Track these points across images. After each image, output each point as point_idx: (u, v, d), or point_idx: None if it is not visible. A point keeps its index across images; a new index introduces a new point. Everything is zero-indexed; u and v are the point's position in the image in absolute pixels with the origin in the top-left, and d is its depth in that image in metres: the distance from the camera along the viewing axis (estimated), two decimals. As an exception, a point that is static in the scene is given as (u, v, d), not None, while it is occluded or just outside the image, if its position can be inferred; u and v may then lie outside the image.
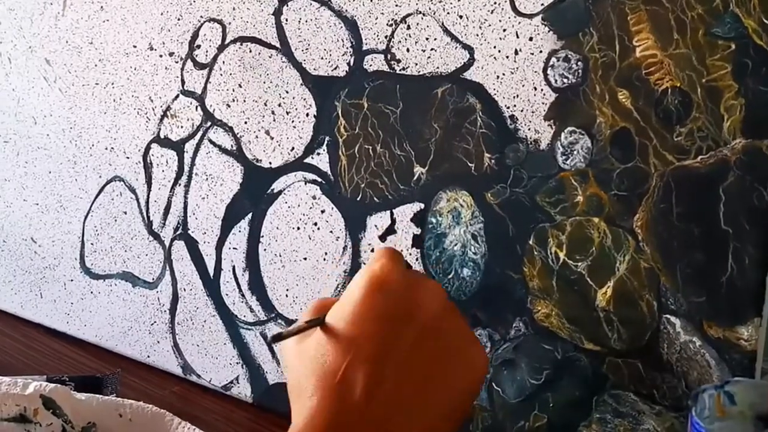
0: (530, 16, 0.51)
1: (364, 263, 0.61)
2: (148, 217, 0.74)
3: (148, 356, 0.77)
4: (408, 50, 0.56)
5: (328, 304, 0.42)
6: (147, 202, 0.74)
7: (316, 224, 0.63)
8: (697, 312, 0.48)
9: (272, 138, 0.65)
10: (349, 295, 0.41)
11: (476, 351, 0.41)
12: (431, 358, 0.39)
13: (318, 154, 0.62)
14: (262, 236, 0.66)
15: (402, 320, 0.39)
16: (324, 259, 0.63)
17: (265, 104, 0.65)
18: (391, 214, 0.59)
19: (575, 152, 0.50)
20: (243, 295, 0.69)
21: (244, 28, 0.65)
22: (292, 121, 0.63)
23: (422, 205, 0.57)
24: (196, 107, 0.69)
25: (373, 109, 0.58)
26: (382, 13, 0.57)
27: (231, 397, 0.71)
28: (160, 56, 0.70)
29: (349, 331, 0.39)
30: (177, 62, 0.69)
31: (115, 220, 0.77)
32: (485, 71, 0.53)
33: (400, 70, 0.57)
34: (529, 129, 0.52)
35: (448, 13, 0.54)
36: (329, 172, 0.62)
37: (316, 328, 0.41)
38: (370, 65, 0.58)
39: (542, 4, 0.50)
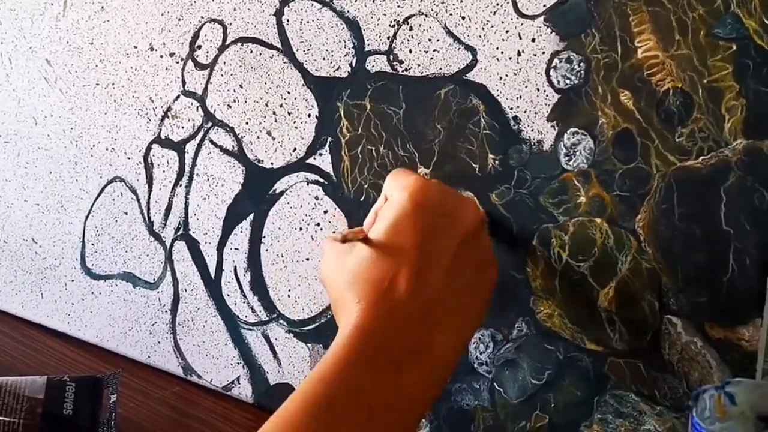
0: (533, 18, 0.51)
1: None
2: (149, 218, 0.74)
3: (149, 357, 0.77)
4: (410, 51, 0.56)
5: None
6: (148, 203, 0.74)
7: (318, 225, 0.63)
8: (698, 312, 0.48)
9: (274, 138, 0.65)
10: (391, 210, 0.43)
11: (491, 261, 0.46)
12: (468, 266, 0.43)
13: (320, 154, 0.62)
14: (264, 237, 0.67)
15: (444, 230, 0.43)
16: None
17: (267, 105, 0.65)
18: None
19: (578, 153, 0.50)
20: (244, 296, 0.69)
21: (245, 29, 0.65)
22: (294, 122, 0.63)
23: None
24: (197, 108, 0.69)
25: (375, 110, 0.59)
26: (385, 14, 0.57)
27: (232, 397, 0.71)
28: (161, 57, 0.70)
29: (394, 242, 0.42)
30: (178, 63, 0.69)
31: (116, 221, 0.77)
32: (488, 72, 0.53)
33: (402, 71, 0.57)
34: (532, 130, 0.52)
35: (450, 14, 0.54)
36: (332, 173, 0.62)
37: (355, 244, 0.44)
38: (373, 66, 0.58)
39: (544, 6, 0.50)
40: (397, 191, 0.45)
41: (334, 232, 0.47)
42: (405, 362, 0.40)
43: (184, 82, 0.69)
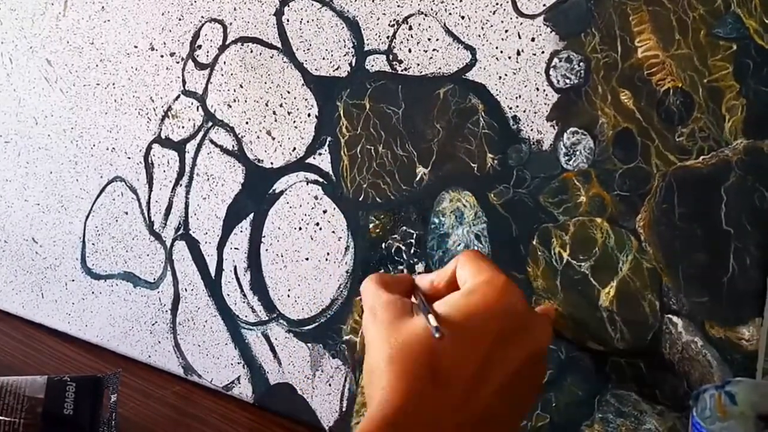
0: (532, 17, 0.51)
1: (366, 262, 0.61)
2: (150, 218, 0.74)
3: (149, 356, 0.77)
4: (410, 51, 0.56)
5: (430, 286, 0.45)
6: (148, 203, 0.74)
7: (318, 224, 0.63)
8: (698, 312, 0.48)
9: (274, 138, 0.65)
10: (473, 299, 0.41)
11: (541, 385, 0.45)
12: (526, 382, 0.41)
13: (320, 154, 0.62)
14: (264, 236, 0.66)
15: (516, 344, 0.41)
16: (326, 260, 0.63)
17: (267, 104, 0.65)
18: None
19: (578, 153, 0.50)
20: (244, 296, 0.69)
21: (246, 29, 0.65)
22: (294, 122, 0.63)
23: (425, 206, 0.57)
24: (197, 107, 0.69)
25: (375, 110, 0.58)
26: (384, 14, 0.57)
27: (232, 397, 0.71)
28: (161, 56, 0.70)
29: (467, 336, 0.39)
30: (178, 62, 0.69)
31: (117, 221, 0.77)
32: (487, 72, 0.53)
33: (402, 70, 0.57)
34: (531, 129, 0.52)
35: (450, 13, 0.54)
36: (331, 173, 0.62)
37: (417, 313, 0.41)
38: (372, 66, 0.58)
39: (544, 5, 0.50)
40: (482, 282, 0.41)
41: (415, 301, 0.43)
42: None
43: (184, 82, 0.69)
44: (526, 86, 0.52)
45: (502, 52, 0.52)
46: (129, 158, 0.75)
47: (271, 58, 0.64)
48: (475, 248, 0.55)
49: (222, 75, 0.67)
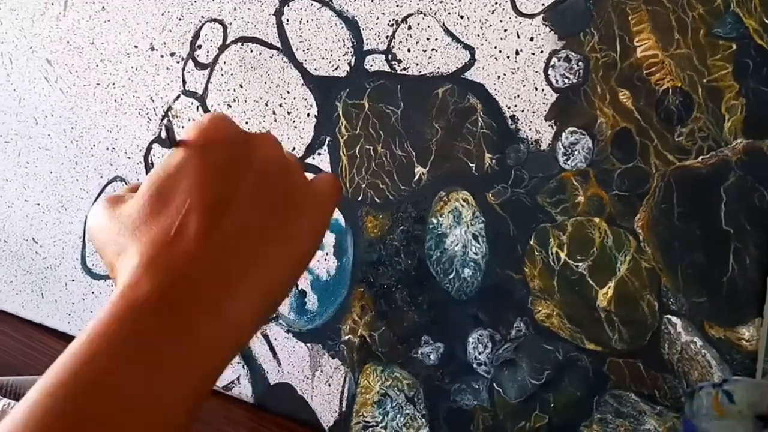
0: (531, 17, 0.51)
1: (365, 262, 0.61)
2: (149, 218, 0.74)
3: (149, 356, 0.76)
4: (409, 50, 0.56)
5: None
6: (148, 203, 0.74)
7: (317, 224, 0.63)
8: (698, 312, 0.48)
9: (273, 138, 0.65)
10: (171, 154, 0.37)
11: (311, 206, 0.39)
12: (271, 207, 0.37)
13: (319, 154, 0.62)
14: (263, 236, 0.66)
15: (239, 167, 0.37)
16: (325, 260, 0.63)
17: (266, 104, 0.65)
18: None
19: (576, 152, 0.50)
20: (244, 295, 0.68)
21: (245, 29, 0.65)
22: (293, 122, 0.63)
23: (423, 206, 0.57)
24: (198, 107, 0.69)
25: (374, 110, 0.58)
26: (383, 14, 0.57)
27: (232, 397, 0.71)
28: (162, 56, 0.70)
29: (180, 185, 0.35)
30: (178, 62, 0.69)
31: (116, 221, 0.77)
32: (486, 71, 0.53)
33: (401, 70, 0.57)
34: (530, 129, 0.52)
35: (449, 13, 0.54)
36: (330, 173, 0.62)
37: (131, 194, 0.37)
38: (371, 65, 0.58)
39: (543, 4, 0.50)
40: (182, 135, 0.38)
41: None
42: (192, 322, 0.33)
43: (184, 82, 0.69)
44: (524, 86, 0.51)
45: (500, 51, 0.52)
46: (129, 158, 0.75)
47: (271, 58, 0.64)
48: (473, 248, 0.55)
49: (222, 75, 0.67)
